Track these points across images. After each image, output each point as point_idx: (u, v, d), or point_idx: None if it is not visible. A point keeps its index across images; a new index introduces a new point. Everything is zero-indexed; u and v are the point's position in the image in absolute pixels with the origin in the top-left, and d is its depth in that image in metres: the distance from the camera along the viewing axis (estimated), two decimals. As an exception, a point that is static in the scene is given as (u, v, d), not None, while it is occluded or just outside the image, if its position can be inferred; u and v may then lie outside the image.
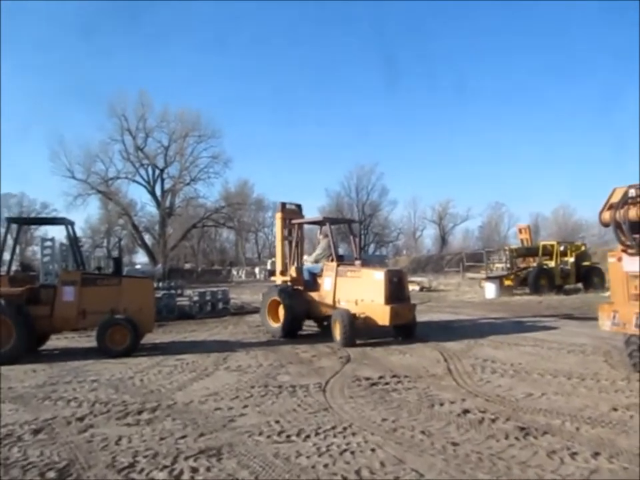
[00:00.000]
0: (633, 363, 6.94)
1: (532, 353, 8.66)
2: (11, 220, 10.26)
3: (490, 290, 20.74)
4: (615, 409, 5.40)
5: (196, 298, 16.78)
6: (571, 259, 22.34)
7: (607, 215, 6.35)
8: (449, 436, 4.68)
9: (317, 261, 11.56)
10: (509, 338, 10.27)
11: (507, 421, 5.07)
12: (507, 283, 22.03)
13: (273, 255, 72.49)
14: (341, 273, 10.70)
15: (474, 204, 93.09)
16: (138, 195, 77.02)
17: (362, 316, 10.01)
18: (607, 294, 19.10)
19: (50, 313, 9.15)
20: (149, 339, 10.45)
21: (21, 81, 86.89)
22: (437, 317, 14.67)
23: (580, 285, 22.50)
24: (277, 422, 5.13)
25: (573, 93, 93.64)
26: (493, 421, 5.10)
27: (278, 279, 12.08)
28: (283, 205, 12.19)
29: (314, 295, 11.14)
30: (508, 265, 22.07)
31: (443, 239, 75.64)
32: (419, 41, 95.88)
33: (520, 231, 26.30)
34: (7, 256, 10.40)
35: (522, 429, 4.82)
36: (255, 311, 17.82)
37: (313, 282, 11.46)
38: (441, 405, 5.71)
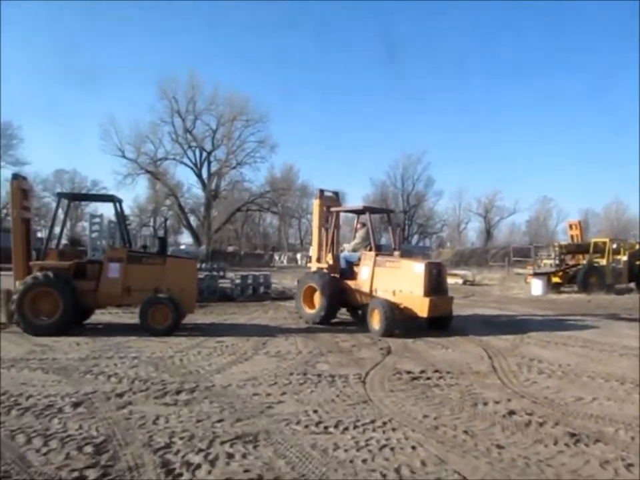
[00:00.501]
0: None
1: (581, 354, 8.30)
2: (61, 195, 10.44)
3: (537, 286, 20.11)
4: (675, 420, 5.07)
5: (238, 281, 16.87)
6: (624, 258, 21.41)
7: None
8: (493, 438, 4.47)
9: (355, 250, 11.40)
10: (557, 337, 9.89)
11: (556, 426, 4.82)
12: (555, 280, 21.34)
13: (314, 242, 73.00)
14: (379, 262, 10.58)
15: (521, 197, 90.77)
16: (185, 177, 78.08)
17: (400, 306, 9.85)
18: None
19: (95, 288, 9.30)
20: (190, 319, 10.51)
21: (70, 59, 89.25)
22: (480, 311, 14.30)
23: (632, 285, 21.58)
24: (315, 412, 5.02)
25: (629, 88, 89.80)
26: (541, 424, 4.85)
27: (313, 266, 12.03)
28: (321, 192, 12.09)
29: (350, 283, 11.04)
30: (557, 262, 21.34)
31: (488, 233, 74.16)
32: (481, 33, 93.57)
33: (571, 226, 25.39)
34: (57, 230, 10.65)
35: (572, 435, 4.57)
36: (296, 296, 17.88)
37: (349, 270, 11.35)
38: (485, 404, 5.49)
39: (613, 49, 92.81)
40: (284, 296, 17.98)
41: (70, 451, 3.88)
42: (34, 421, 4.51)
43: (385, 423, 4.74)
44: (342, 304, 11.36)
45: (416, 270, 10.05)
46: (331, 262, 11.47)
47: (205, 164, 51.23)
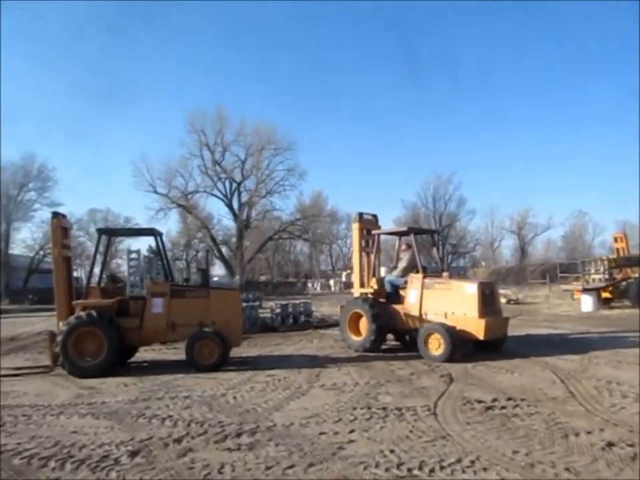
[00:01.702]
0: None
1: (662, 374, 7.65)
2: (101, 231, 10.29)
3: (587, 303, 19.26)
4: None
5: (278, 310, 16.49)
6: (676, 269, 20.44)
7: None
8: (601, 475, 3.96)
9: (403, 274, 10.90)
10: (626, 355, 9.24)
11: (666, 458, 4.27)
12: (605, 295, 20.46)
13: (347, 267, 72.48)
14: (428, 285, 10.17)
15: (555, 213, 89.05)
16: (215, 208, 78.76)
17: (455, 329, 9.36)
18: None
19: (139, 325, 9.03)
20: (235, 352, 10.13)
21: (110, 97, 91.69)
22: (534, 331, 13.62)
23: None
24: (392, 451, 4.56)
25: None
26: (648, 457, 4.31)
27: (356, 291, 11.59)
28: (360, 215, 11.71)
29: (397, 307, 10.61)
30: (606, 276, 20.45)
31: (523, 250, 72.56)
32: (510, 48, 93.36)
33: (616, 239, 24.42)
34: (97, 267, 10.47)
35: (689, 469, 4.02)
36: (338, 324, 17.41)
37: (395, 294, 10.93)
38: (576, 435, 4.95)
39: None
40: (325, 323, 17.54)
41: (135, 509, 3.51)
42: (91, 476, 4.15)
43: (472, 462, 4.26)
44: (390, 329, 10.88)
45: (468, 290, 9.62)
46: (375, 286, 11.05)
47: (235, 194, 51.44)
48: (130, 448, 4.80)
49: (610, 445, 4.63)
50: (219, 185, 51.52)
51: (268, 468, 4.22)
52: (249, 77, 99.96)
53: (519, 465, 4.20)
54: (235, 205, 51.61)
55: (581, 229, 73.39)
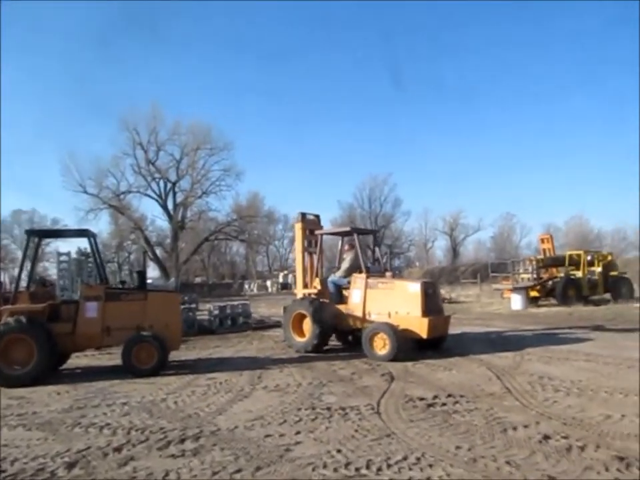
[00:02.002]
0: None
1: (589, 369, 8.06)
2: (30, 232, 9.76)
3: (516, 301, 20.07)
4: None
5: (216, 312, 16.23)
6: (599, 269, 21.63)
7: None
8: (539, 467, 4.11)
9: (347, 275, 10.94)
10: (556, 352, 9.68)
11: (598, 449, 4.49)
12: (533, 294, 21.37)
13: (284, 268, 72.43)
14: (371, 285, 10.24)
15: (485, 215, 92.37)
16: (149, 209, 76.76)
17: (398, 328, 9.48)
18: (637, 305, 18.47)
19: (72, 330, 8.62)
20: (173, 355, 9.85)
21: (31, 93, 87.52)
22: (469, 329, 14.04)
23: (607, 296, 21.76)
24: (339, 451, 4.57)
25: (583, 101, 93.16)
26: (582, 448, 4.52)
27: (299, 292, 11.53)
28: (303, 215, 11.67)
29: (341, 307, 10.63)
30: (534, 276, 21.38)
31: (455, 250, 74.91)
32: (430, 50, 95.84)
33: (542, 240, 25.60)
34: (25, 271, 9.94)
35: (620, 458, 4.24)
36: (277, 325, 17.33)
37: (338, 294, 10.97)
38: (514, 429, 5.13)
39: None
40: (264, 325, 17.46)
41: (76, 523, 3.33)
42: (25, 490, 3.92)
43: (418, 459, 4.33)
44: (333, 330, 10.91)
45: (411, 290, 9.77)
46: (318, 287, 11.07)
47: (170, 195, 50.38)
48: (67, 459, 4.56)
49: (546, 437, 4.82)
50: (153, 185, 50.35)
51: (214, 473, 4.12)
52: (183, 75, 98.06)
53: (463, 460, 4.31)
54: (170, 205, 50.58)
55: (509, 230, 76.57)
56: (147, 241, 50.64)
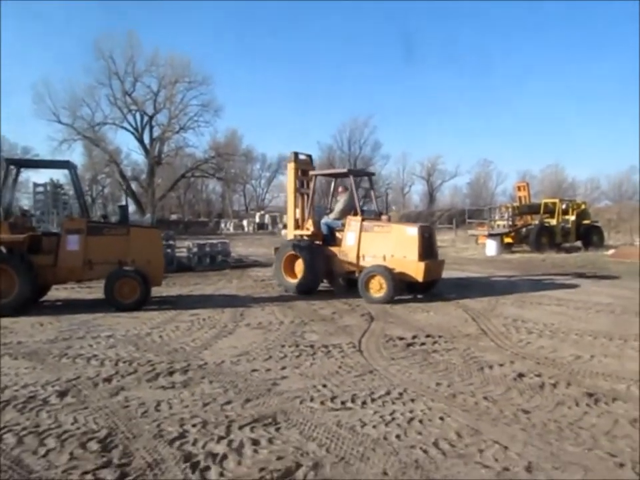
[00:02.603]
0: (677, 326, 6.65)
1: (560, 313, 8.38)
2: (10, 161, 9.50)
3: (491, 247, 20.48)
4: (678, 374, 5.11)
5: (195, 250, 16.26)
6: (572, 217, 22.12)
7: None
8: (514, 402, 4.34)
9: (340, 217, 10.84)
10: (529, 296, 10.00)
11: (569, 386, 4.75)
12: (507, 240, 21.80)
13: (260, 208, 72.09)
14: (367, 228, 10.16)
15: (462, 161, 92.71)
16: (125, 142, 75.00)
17: (394, 272, 9.51)
18: (609, 252, 19.04)
19: (53, 263, 8.59)
20: (154, 291, 9.91)
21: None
22: (445, 274, 14.29)
23: (579, 244, 22.35)
24: (324, 386, 4.74)
25: (561, 51, 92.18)
26: (554, 385, 4.77)
27: (290, 233, 11.44)
28: (296, 154, 11.37)
29: (334, 250, 10.56)
30: (509, 223, 21.76)
31: (431, 196, 75.34)
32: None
33: (519, 188, 25.89)
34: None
35: (589, 394, 4.50)
36: (256, 264, 17.48)
37: (331, 237, 10.92)
38: (491, 367, 5.37)
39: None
40: (243, 264, 17.58)
41: (73, 449, 3.42)
42: (19, 417, 3.97)
43: (401, 394, 4.52)
44: (325, 272, 10.83)
45: (409, 233, 9.75)
46: (312, 228, 10.88)
47: (147, 128, 49.25)
48: (57, 388, 4.65)
49: (520, 375, 5.07)
50: (129, 117, 49.10)
51: (205, 404, 4.25)
52: (162, 7, 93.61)
53: (443, 395, 4.52)
54: (146, 139, 49.51)
55: (485, 177, 77.08)
56: (122, 174, 49.79)
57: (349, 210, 10.78)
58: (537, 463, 3.26)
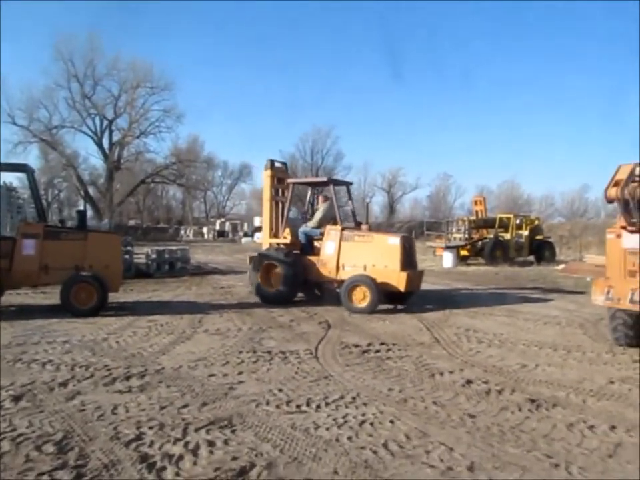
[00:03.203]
0: (615, 337, 7.01)
1: (509, 324, 8.71)
2: (-35, 165, 9.34)
3: (448, 259, 20.95)
4: (612, 382, 5.43)
5: (154, 256, 16.12)
6: (525, 232, 22.85)
7: (613, 192, 6.27)
8: (462, 407, 4.55)
9: (319, 225, 10.73)
10: (482, 307, 10.33)
11: (514, 392, 5.00)
12: (463, 253, 22.34)
13: (221, 215, 71.50)
14: (347, 237, 10.12)
15: (423, 174, 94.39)
16: (83, 146, 73.50)
17: (377, 282, 9.52)
18: (559, 267, 19.72)
19: (9, 267, 8.45)
20: (111, 297, 9.82)
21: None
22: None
23: (531, 258, 23.08)
24: (280, 390, 4.87)
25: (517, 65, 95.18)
26: (500, 392, 5.01)
27: (266, 242, 11.11)
28: (272, 162, 11.18)
29: (312, 259, 10.42)
30: (466, 236, 22.34)
31: (392, 207, 76.31)
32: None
33: (476, 202, 26.62)
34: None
35: (532, 400, 4.75)
36: (215, 271, 17.46)
37: (309, 246, 10.80)
38: (441, 374, 5.59)
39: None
40: (202, 271, 17.54)
41: (28, 452, 3.44)
42: (-28, 421, 3.98)
43: (354, 398, 4.68)
44: (303, 281, 10.64)
45: (391, 243, 9.80)
46: (289, 237, 10.71)
47: (106, 133, 48.41)
48: (12, 392, 4.63)
49: (468, 382, 5.30)
50: (88, 121, 48.19)
51: (162, 408, 4.32)
52: (124, 10, 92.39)
53: (394, 400, 4.70)
54: (106, 143, 48.69)
55: (445, 190, 78.53)
56: (79, 179, 48.77)
57: (329, 219, 10.72)
58: (479, 463, 3.46)
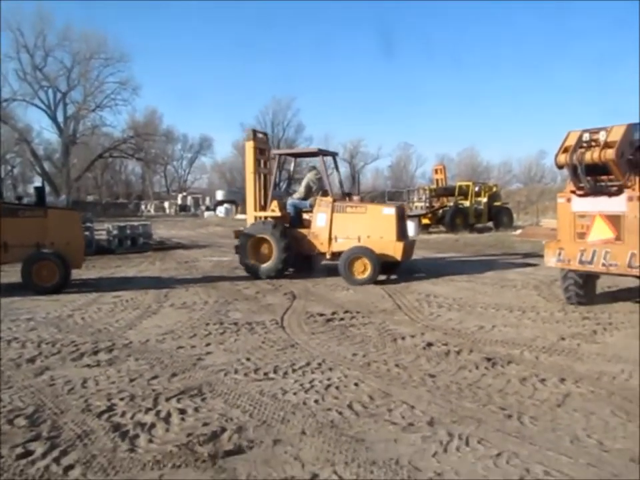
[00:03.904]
0: (567, 296, 7.39)
1: (469, 288, 9.02)
2: None
3: (410, 228, 21.19)
4: (563, 338, 5.75)
5: (115, 232, 15.93)
6: (484, 199, 23.38)
7: (562, 158, 6.53)
8: (422, 368, 4.77)
9: (306, 197, 10.66)
10: (442, 274, 10.61)
11: (471, 353, 5.25)
12: (425, 221, 22.76)
13: (182, 189, 70.51)
14: (339, 208, 10.11)
15: (384, 144, 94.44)
16: (36, 120, 70.96)
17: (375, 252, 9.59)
18: (517, 232, 20.34)
19: (-35, 246, 8.29)
20: (73, 274, 9.72)
21: None
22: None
23: (490, 224, 23.67)
24: (248, 359, 5.00)
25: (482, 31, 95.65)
26: (458, 352, 5.26)
27: (251, 215, 10.84)
28: (254, 132, 10.89)
29: (303, 231, 10.38)
30: (427, 204, 22.73)
31: (354, 178, 76.50)
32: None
33: (436, 171, 27.03)
34: None
35: (488, 359, 5.01)
36: (178, 246, 17.37)
37: (297, 218, 10.69)
38: (403, 338, 5.81)
39: None
40: (165, 246, 17.44)
41: (0, 425, 3.51)
42: (-61, 398, 3.99)
43: (319, 364, 4.85)
44: (295, 254, 10.48)
45: (386, 213, 9.87)
46: (277, 210, 10.48)
47: (60, 106, 46.81)
48: (-23, 370, 4.64)
49: (429, 344, 5.54)
50: (41, 93, 46.54)
51: (132, 380, 4.40)
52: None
53: (358, 364, 4.89)
54: (60, 117, 47.17)
55: (406, 160, 79.16)
56: (33, 154, 47.29)
57: (317, 190, 10.64)
58: (438, 418, 3.67)
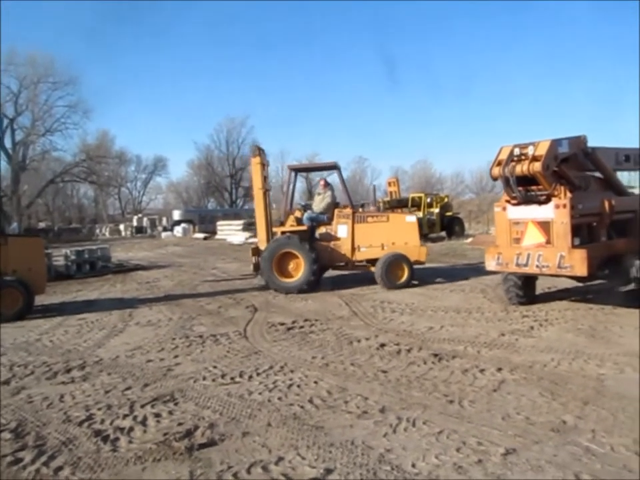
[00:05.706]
0: (509, 297, 8.03)
1: (421, 294, 9.58)
2: None
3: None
4: (503, 334, 6.33)
5: (73, 257, 15.88)
6: (436, 210, 24.19)
7: (496, 171, 7.18)
8: (376, 366, 5.25)
9: (327, 211, 10.90)
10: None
11: (420, 350, 5.76)
12: (380, 232, 23.35)
13: (138, 211, 69.59)
14: (359, 218, 10.78)
15: (339, 158, 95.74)
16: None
17: None
18: (468, 240, 21.21)
19: None
20: (36, 301, 9.82)
21: None
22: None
23: (443, 234, 24.51)
24: (215, 367, 5.37)
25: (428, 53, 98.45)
26: (409, 351, 5.76)
27: (262, 233, 10.74)
28: (259, 149, 10.98)
29: (323, 244, 10.70)
30: (381, 216, 23.37)
31: (310, 192, 77.24)
32: None
33: (389, 184, 27.79)
34: None
35: (435, 355, 5.53)
36: (138, 268, 17.42)
37: (313, 232, 10.91)
38: (358, 341, 6.28)
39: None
40: (124, 268, 17.43)
41: (-15, 440, 3.78)
42: None
43: (282, 367, 5.27)
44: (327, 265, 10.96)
45: (409, 221, 10.85)
46: (295, 224, 10.74)
47: (8, 132, 45.80)
48: (-46, 393, 4.85)
49: (382, 345, 6.02)
50: (-13, 119, 45.33)
51: (107, 392, 4.71)
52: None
53: (317, 365, 5.33)
54: (8, 143, 46.05)
55: (361, 173, 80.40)
56: (-19, 182, 46.05)
57: (334, 204, 11.04)
58: (389, 406, 4.14)
